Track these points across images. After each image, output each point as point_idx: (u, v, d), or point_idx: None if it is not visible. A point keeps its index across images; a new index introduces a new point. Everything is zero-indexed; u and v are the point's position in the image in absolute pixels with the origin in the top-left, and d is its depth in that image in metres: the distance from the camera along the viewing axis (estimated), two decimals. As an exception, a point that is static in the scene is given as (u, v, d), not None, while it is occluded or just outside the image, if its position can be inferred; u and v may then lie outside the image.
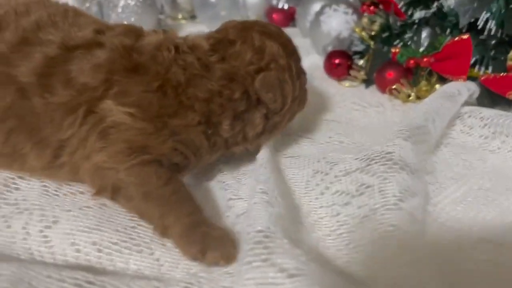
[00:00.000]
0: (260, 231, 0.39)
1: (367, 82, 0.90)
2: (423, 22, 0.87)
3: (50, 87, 0.46)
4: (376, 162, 0.50)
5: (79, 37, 0.49)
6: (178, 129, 0.47)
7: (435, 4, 0.85)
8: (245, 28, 0.54)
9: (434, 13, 0.86)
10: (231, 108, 0.49)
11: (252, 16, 1.31)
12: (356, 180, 0.50)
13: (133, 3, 1.03)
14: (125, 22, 1.05)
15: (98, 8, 1.06)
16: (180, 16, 1.31)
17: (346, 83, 0.91)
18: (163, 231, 0.43)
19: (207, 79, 0.48)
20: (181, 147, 0.47)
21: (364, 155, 0.53)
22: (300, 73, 0.58)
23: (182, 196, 0.44)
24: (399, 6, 0.88)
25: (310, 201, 0.51)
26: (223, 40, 0.52)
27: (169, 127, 0.46)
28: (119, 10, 1.04)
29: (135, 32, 0.52)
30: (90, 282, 0.36)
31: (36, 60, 0.46)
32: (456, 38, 0.77)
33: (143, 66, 0.47)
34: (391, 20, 0.88)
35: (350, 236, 0.45)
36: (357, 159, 0.53)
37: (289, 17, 1.28)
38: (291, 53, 0.56)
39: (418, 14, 0.87)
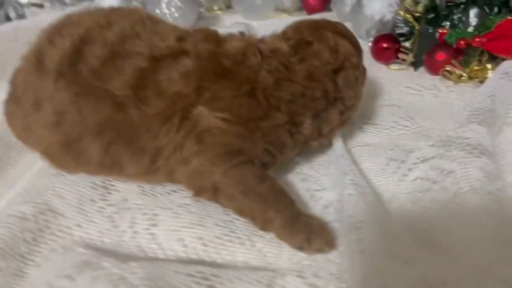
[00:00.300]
0: (361, 222, 0.41)
1: (416, 65, 0.91)
2: (470, 1, 0.87)
3: (144, 98, 0.48)
4: (454, 148, 0.52)
5: (164, 46, 0.51)
6: (268, 130, 0.49)
7: (483, -17, 0.85)
8: (318, 27, 0.56)
9: (481, -8, 0.86)
10: (312, 107, 0.52)
11: (287, 2, 1.32)
12: (436, 167, 0.51)
13: (177, -2, 1.05)
14: (169, 18, 1.07)
15: (142, 5, 1.08)
16: (216, 7, 1.33)
17: (395, 67, 0.92)
18: (264, 225, 0.45)
19: (291, 81, 0.50)
20: (270, 147, 0.50)
21: (440, 141, 0.54)
22: (364, 68, 0.60)
23: (278, 191, 0.47)
24: (446, -14, 0.88)
25: (388, 189, 0.53)
26: (301, 41, 0.54)
27: (260, 129, 0.49)
28: (163, 6, 1.06)
29: (215, 37, 0.53)
30: (215, 275, 0.39)
31: (128, 73, 0.48)
32: (509, 17, 0.77)
33: (232, 71, 0.49)
34: (437, 1, 0.88)
35: (435, 221, 0.47)
36: (433, 146, 0.55)
37: (325, 2, 1.28)
38: (359, 50, 0.59)
39: (465, -6, 0.88)
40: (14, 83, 0.54)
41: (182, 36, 0.53)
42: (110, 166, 0.50)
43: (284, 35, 0.56)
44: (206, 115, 0.47)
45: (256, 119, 0.49)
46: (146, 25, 0.54)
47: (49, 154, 0.53)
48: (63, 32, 0.51)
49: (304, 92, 0.51)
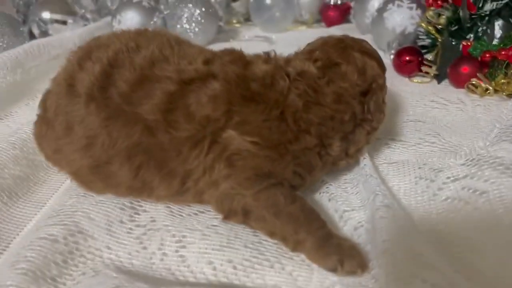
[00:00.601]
0: (394, 246, 0.41)
1: (439, 78, 0.90)
2: (495, 13, 0.86)
3: (174, 122, 0.48)
4: (487, 168, 0.51)
5: (192, 70, 0.51)
6: (298, 153, 0.49)
7: (508, -5, 0.84)
8: (346, 47, 0.55)
9: (506, 4, 0.85)
10: (341, 130, 0.51)
11: (305, 15, 1.32)
12: (468, 187, 0.50)
13: (197, 13, 1.06)
14: (190, 33, 1.08)
15: (163, 20, 1.09)
16: (235, 20, 1.33)
17: (417, 80, 0.91)
18: (296, 246, 0.45)
19: (320, 105, 0.50)
20: (300, 170, 0.50)
21: (471, 161, 0.53)
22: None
23: (309, 211, 0.47)
24: (469, -1, 0.87)
25: (418, 209, 0.52)
26: (329, 63, 0.53)
27: (290, 152, 0.48)
28: (184, 21, 1.07)
29: (242, 60, 0.53)
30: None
31: (158, 97, 0.49)
32: (536, 30, 0.76)
33: (261, 95, 0.49)
34: (461, 13, 0.87)
35: (468, 243, 0.46)
36: (464, 165, 0.54)
37: (344, 14, 1.28)
38: (384, 69, 0.58)
39: (489, 6, 0.87)
40: (44, 106, 0.55)
41: (209, 58, 0.53)
42: (139, 189, 0.50)
43: (310, 55, 0.55)
44: (235, 139, 0.47)
45: (286, 143, 0.48)
46: (174, 48, 0.55)
47: (79, 176, 0.53)
48: (92, 56, 0.52)
49: (333, 115, 0.50)
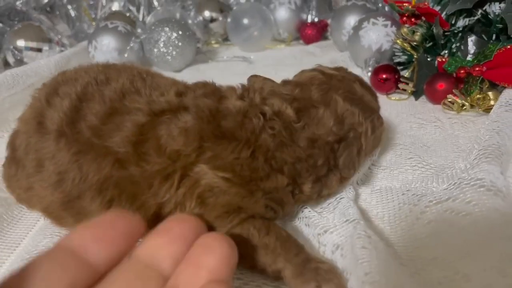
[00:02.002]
0: (372, 277, 0.40)
1: (416, 94, 0.91)
2: (468, 29, 0.87)
3: (144, 155, 0.47)
4: (468, 190, 0.51)
5: (163, 101, 0.50)
6: (269, 190, 0.48)
7: (479, 11, 0.85)
8: (330, 89, 0.54)
9: (478, 20, 0.86)
10: (314, 172, 0.51)
11: (284, 33, 1.33)
12: (451, 209, 0.50)
13: (174, 36, 1.06)
14: (167, 56, 1.08)
15: (139, 45, 1.09)
16: (213, 41, 1.33)
17: (395, 97, 0.92)
18: (277, 275, 0.44)
19: (294, 146, 0.49)
20: (272, 204, 0.49)
21: (453, 184, 0.53)
22: (377, 126, 0.56)
23: (284, 239, 0.46)
24: (442, 15, 0.88)
25: (403, 235, 0.52)
26: (307, 105, 0.52)
27: (261, 189, 0.48)
28: (161, 45, 1.06)
29: (215, 93, 0.52)
30: None
31: (128, 129, 0.48)
32: (508, 46, 0.77)
33: (232, 133, 0.48)
34: (435, 30, 0.88)
35: (455, 266, 0.46)
36: (446, 189, 0.53)
37: (321, 31, 1.29)
38: (371, 112, 0.55)
39: (462, 22, 0.88)
40: (13, 146, 0.54)
41: (182, 91, 0.52)
42: None
43: (291, 91, 0.53)
44: (207, 173, 0.46)
45: (257, 180, 0.47)
46: (146, 80, 0.54)
47: (50, 212, 0.52)
48: (60, 92, 0.51)
49: (306, 158, 0.50)
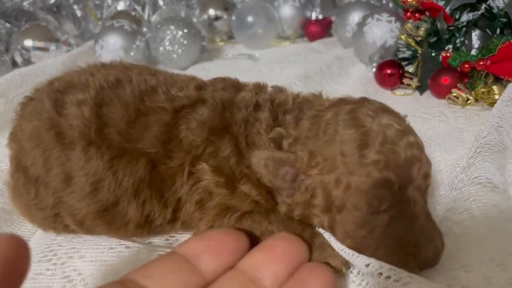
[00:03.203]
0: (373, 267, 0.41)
1: (421, 89, 0.91)
2: (472, 24, 0.88)
3: (170, 152, 0.47)
4: (465, 190, 0.50)
5: (183, 96, 0.49)
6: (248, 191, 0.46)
7: (483, 6, 0.86)
8: (332, 141, 0.41)
9: (482, 15, 0.86)
10: None
11: (288, 30, 1.33)
12: (453, 210, 0.50)
13: (179, 34, 1.07)
14: (173, 55, 1.09)
15: (145, 44, 1.10)
16: (218, 39, 1.34)
17: (400, 92, 0.92)
18: None
19: (263, 141, 0.45)
20: (258, 197, 0.46)
21: (454, 189, 0.54)
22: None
23: (287, 223, 0.45)
24: (446, 10, 0.88)
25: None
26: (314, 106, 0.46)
27: (240, 191, 0.46)
28: (167, 43, 1.07)
29: (235, 86, 0.51)
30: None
31: (156, 129, 0.47)
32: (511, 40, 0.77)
33: (230, 125, 0.47)
34: (439, 25, 0.89)
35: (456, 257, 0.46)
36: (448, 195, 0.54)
37: (326, 28, 1.30)
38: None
39: (466, 17, 0.88)
40: (23, 169, 0.50)
41: (201, 85, 0.52)
42: (142, 225, 0.49)
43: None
44: (206, 174, 0.46)
45: (235, 181, 0.46)
46: (157, 77, 0.53)
47: (83, 223, 0.50)
48: (68, 99, 0.49)
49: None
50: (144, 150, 0.47)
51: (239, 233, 0.39)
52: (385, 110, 0.43)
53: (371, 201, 0.38)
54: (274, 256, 0.37)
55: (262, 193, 0.45)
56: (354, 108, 0.42)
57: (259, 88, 0.52)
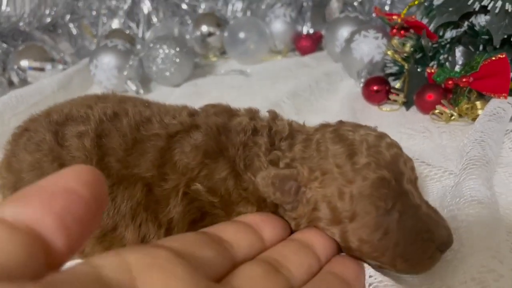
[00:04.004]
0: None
1: (407, 104, 0.93)
2: (455, 41, 0.90)
3: (164, 175, 0.48)
4: (452, 208, 0.52)
5: (177, 123, 0.51)
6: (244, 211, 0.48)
7: (466, 23, 0.88)
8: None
9: (465, 32, 0.89)
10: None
11: (280, 45, 1.35)
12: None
13: (172, 53, 1.09)
14: (166, 73, 1.11)
15: (139, 62, 1.12)
16: (211, 55, 1.37)
17: (387, 108, 0.94)
18: None
19: (262, 162, 0.47)
20: None
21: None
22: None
23: None
24: (429, 28, 0.91)
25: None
26: (298, 133, 0.50)
27: (236, 212, 0.48)
28: (159, 61, 1.10)
29: (227, 112, 0.53)
30: None
31: (151, 154, 0.49)
32: (493, 58, 0.79)
33: (226, 149, 0.48)
34: (423, 42, 0.91)
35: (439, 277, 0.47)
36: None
37: (316, 42, 1.32)
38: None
39: (449, 34, 0.90)
40: None
41: (194, 111, 0.55)
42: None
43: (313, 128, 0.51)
44: (200, 195, 0.48)
45: (232, 204, 0.48)
46: (151, 108, 0.56)
47: (82, 251, 0.51)
48: (69, 132, 0.51)
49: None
50: (140, 175, 0.49)
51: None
52: (360, 125, 0.48)
53: (376, 202, 0.41)
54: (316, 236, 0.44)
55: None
56: (336, 128, 0.46)
57: (252, 113, 0.54)
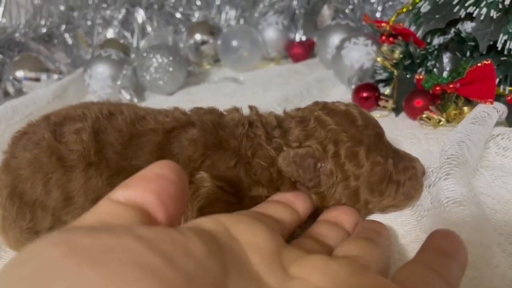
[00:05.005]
0: None
1: (396, 110, 0.95)
2: (443, 47, 0.91)
3: None
4: (432, 210, 0.54)
5: (172, 120, 0.54)
6: (254, 199, 0.51)
7: (452, 30, 0.89)
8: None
9: (452, 39, 0.90)
10: (288, 183, 0.52)
11: (272, 52, 1.37)
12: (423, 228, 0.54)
13: (165, 62, 1.10)
14: (160, 82, 1.12)
15: (133, 72, 1.13)
16: (205, 63, 1.38)
17: (377, 114, 0.96)
18: None
19: (267, 149, 0.51)
20: None
21: (415, 210, 0.57)
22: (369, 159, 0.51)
23: None
24: (417, 35, 0.92)
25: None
26: (290, 118, 0.55)
27: (247, 197, 0.51)
28: (153, 70, 1.11)
29: (215, 111, 0.57)
30: None
31: (148, 147, 0.51)
32: (479, 64, 0.81)
33: (226, 141, 0.52)
34: (411, 48, 0.92)
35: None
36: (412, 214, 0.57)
37: (309, 49, 1.33)
38: (346, 140, 0.50)
39: (437, 41, 0.92)
40: (18, 195, 0.52)
41: (184, 112, 0.58)
42: None
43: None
44: (207, 181, 0.49)
45: (243, 189, 0.51)
46: (144, 109, 0.59)
47: None
48: (67, 129, 0.53)
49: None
50: (140, 165, 0.49)
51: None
52: (336, 101, 0.56)
53: (381, 152, 0.51)
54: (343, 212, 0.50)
55: (272, 193, 0.52)
56: (323, 105, 0.54)
57: (238, 110, 0.59)
